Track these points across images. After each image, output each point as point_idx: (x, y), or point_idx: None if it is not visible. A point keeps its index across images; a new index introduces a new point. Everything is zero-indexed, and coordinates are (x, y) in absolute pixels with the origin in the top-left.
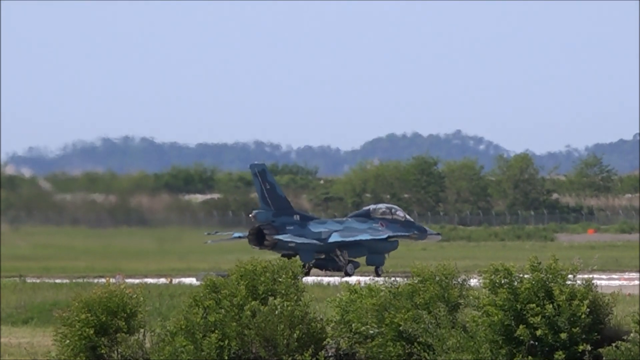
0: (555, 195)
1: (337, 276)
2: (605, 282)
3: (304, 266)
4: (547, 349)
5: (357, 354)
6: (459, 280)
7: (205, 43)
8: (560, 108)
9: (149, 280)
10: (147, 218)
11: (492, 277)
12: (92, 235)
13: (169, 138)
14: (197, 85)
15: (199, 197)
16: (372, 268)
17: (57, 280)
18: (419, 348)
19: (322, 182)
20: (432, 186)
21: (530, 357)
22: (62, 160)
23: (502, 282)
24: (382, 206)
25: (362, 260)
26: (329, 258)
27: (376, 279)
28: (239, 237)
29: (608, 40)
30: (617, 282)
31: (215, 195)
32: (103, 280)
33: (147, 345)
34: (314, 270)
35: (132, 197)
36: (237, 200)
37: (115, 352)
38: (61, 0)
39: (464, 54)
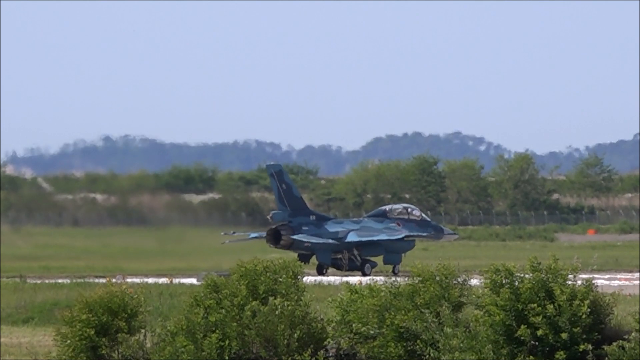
0: (555, 196)
1: (355, 275)
2: (605, 282)
3: (321, 266)
4: (548, 349)
5: (358, 354)
6: (459, 280)
7: (206, 42)
8: (561, 108)
9: (150, 280)
10: (147, 218)
11: (494, 276)
12: (93, 235)
13: (169, 138)
14: (197, 85)
15: (199, 197)
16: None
17: (58, 280)
18: (422, 345)
19: (323, 182)
20: (433, 186)
21: (531, 357)
22: (62, 160)
23: (504, 282)
24: (398, 206)
25: (378, 259)
26: (346, 257)
27: (376, 278)
28: (256, 238)
29: (608, 40)
30: (617, 282)
31: (216, 195)
32: (103, 280)
33: (148, 345)
34: (331, 270)
35: (133, 196)
36: (237, 200)
37: (116, 352)
38: (61, 0)
39: (465, 54)
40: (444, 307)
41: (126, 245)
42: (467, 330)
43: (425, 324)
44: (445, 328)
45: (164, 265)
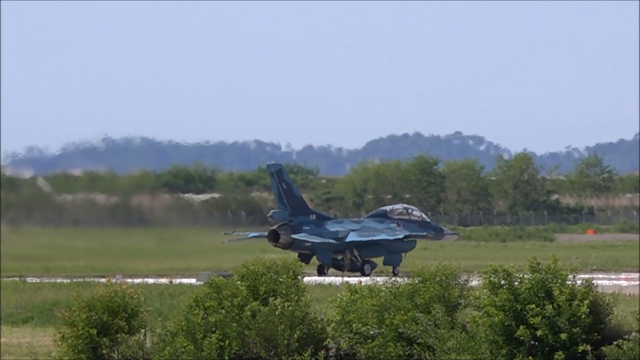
0: (555, 196)
1: (355, 276)
2: (605, 282)
3: (322, 267)
4: (547, 349)
5: (358, 355)
6: (460, 280)
7: (205, 42)
8: (561, 108)
9: (149, 280)
10: (147, 218)
11: (492, 277)
12: (92, 235)
13: (169, 137)
14: (197, 85)
15: (199, 197)
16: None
17: (58, 280)
18: (418, 349)
19: (323, 181)
20: (433, 186)
21: (530, 358)
22: (62, 160)
23: (502, 282)
24: (398, 206)
25: (378, 260)
26: (348, 258)
27: (377, 279)
28: (256, 237)
29: (608, 40)
30: (617, 282)
31: (216, 195)
32: (103, 280)
33: (148, 345)
34: (331, 271)
35: (133, 196)
36: (237, 199)
37: (116, 352)
38: (61, 0)
39: (464, 54)
40: (437, 309)
41: (126, 245)
42: (465, 331)
43: (421, 327)
44: (439, 330)
45: (164, 265)
